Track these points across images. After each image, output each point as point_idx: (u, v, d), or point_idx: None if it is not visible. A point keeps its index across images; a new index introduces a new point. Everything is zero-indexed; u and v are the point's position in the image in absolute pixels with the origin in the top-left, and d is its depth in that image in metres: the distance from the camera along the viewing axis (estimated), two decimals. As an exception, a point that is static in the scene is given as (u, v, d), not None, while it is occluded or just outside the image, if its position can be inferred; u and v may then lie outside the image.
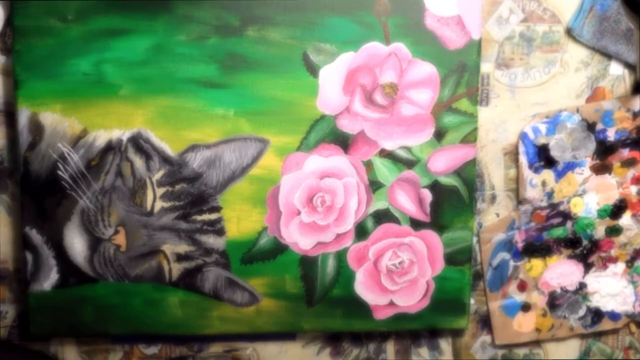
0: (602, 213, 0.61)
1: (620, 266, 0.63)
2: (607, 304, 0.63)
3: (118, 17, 0.54)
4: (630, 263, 0.63)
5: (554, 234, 0.61)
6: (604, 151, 0.60)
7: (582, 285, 0.62)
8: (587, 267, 0.62)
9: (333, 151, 0.57)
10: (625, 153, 0.60)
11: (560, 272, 0.62)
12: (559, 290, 0.62)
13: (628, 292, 0.63)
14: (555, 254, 0.62)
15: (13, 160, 0.57)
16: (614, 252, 0.62)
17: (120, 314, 0.58)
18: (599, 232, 0.61)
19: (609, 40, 0.58)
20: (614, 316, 0.63)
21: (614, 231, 0.62)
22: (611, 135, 0.60)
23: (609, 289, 0.63)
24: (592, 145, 0.60)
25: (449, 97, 0.57)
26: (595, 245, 0.62)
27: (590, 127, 0.60)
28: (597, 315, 0.63)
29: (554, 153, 0.59)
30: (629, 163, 0.61)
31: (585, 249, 0.62)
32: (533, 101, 0.60)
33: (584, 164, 0.60)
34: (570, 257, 0.62)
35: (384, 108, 0.57)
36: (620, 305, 0.63)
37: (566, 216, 0.61)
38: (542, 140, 0.59)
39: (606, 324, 0.63)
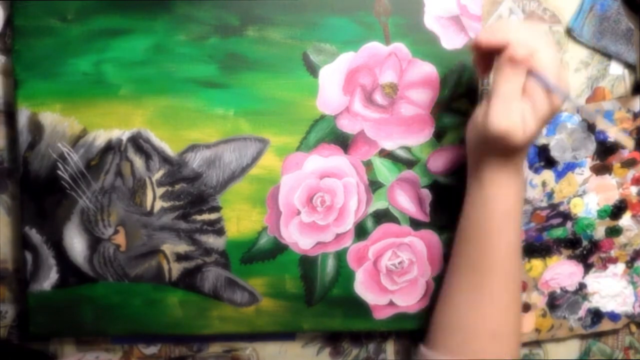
0: (602, 213, 0.61)
1: (620, 267, 0.62)
2: (607, 305, 0.63)
3: (118, 17, 0.54)
4: (630, 264, 0.62)
5: (554, 235, 0.61)
6: (604, 152, 0.60)
7: (582, 286, 0.62)
8: (587, 267, 0.62)
9: (333, 151, 0.57)
10: (626, 153, 0.60)
11: (560, 272, 0.62)
12: (558, 291, 0.62)
13: (628, 292, 0.63)
14: (555, 254, 0.62)
15: (13, 160, 0.57)
16: (614, 253, 0.62)
17: (119, 314, 0.58)
18: (599, 232, 0.61)
19: (609, 40, 0.58)
20: (613, 317, 0.63)
21: (614, 232, 0.62)
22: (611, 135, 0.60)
23: (608, 289, 0.63)
24: (592, 146, 0.60)
25: (448, 97, 0.57)
26: (595, 246, 0.62)
27: (591, 127, 0.60)
28: (596, 315, 0.63)
29: (554, 153, 0.59)
30: (629, 163, 0.61)
31: (585, 250, 0.62)
32: (533, 101, 0.60)
33: (584, 164, 0.60)
34: (570, 257, 0.62)
35: (384, 108, 0.57)
36: (620, 305, 0.63)
37: (566, 216, 0.61)
38: (542, 141, 0.59)
39: (606, 325, 0.63)
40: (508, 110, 0.46)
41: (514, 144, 0.48)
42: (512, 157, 0.50)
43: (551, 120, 0.50)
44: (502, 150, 0.49)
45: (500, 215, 0.51)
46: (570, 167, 0.60)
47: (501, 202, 0.51)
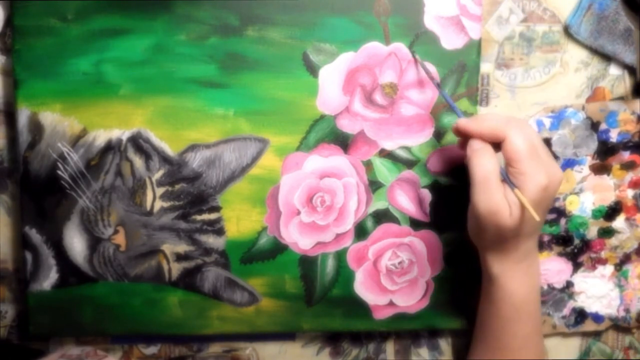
0: (597, 213, 0.61)
1: (609, 268, 0.62)
2: (592, 305, 0.63)
3: (118, 16, 0.54)
4: (619, 266, 0.62)
5: (547, 230, 0.61)
6: (605, 152, 0.60)
7: (569, 284, 0.62)
8: (576, 266, 0.62)
9: (333, 151, 0.57)
10: (626, 156, 0.60)
11: (549, 268, 0.62)
12: (545, 287, 0.62)
13: (614, 295, 0.63)
14: (546, 250, 0.61)
15: (13, 160, 0.57)
16: (604, 254, 0.62)
17: (119, 314, 0.58)
18: (592, 232, 0.61)
19: (606, 39, 0.58)
20: (597, 318, 0.63)
21: (607, 233, 0.61)
22: (614, 136, 0.60)
23: (595, 290, 0.62)
24: (593, 145, 0.60)
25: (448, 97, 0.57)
26: (586, 245, 0.62)
27: (594, 126, 0.60)
28: (580, 315, 0.63)
29: (556, 148, 0.59)
30: (628, 166, 0.60)
31: (576, 248, 0.62)
32: (533, 101, 0.60)
33: (584, 162, 0.60)
34: (560, 254, 0.62)
35: (384, 108, 0.57)
36: (605, 307, 0.63)
37: (561, 213, 0.61)
38: (544, 135, 0.59)
39: (589, 325, 0.63)
40: (488, 192, 0.47)
41: (503, 226, 0.48)
42: (513, 244, 0.50)
43: (550, 207, 0.51)
44: (498, 237, 0.49)
45: (513, 309, 0.51)
46: (570, 163, 0.60)
47: (513, 295, 0.51)
